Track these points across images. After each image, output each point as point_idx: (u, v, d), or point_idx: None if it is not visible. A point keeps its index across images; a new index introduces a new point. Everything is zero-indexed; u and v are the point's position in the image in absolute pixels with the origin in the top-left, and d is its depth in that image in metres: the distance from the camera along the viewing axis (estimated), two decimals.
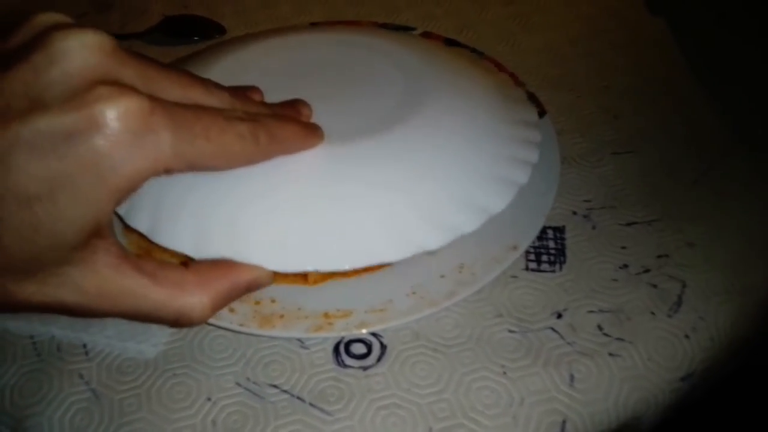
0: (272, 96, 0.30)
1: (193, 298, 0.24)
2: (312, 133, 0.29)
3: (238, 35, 0.49)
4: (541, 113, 0.39)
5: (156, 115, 0.20)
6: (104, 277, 0.22)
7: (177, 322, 0.24)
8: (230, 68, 0.35)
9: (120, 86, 0.20)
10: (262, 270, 0.26)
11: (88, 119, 0.19)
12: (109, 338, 0.32)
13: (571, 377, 0.30)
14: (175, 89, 0.23)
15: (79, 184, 0.19)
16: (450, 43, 0.44)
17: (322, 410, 0.29)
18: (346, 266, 0.27)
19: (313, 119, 0.30)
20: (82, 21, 0.53)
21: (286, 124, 0.27)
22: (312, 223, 0.28)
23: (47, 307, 0.21)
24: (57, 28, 0.20)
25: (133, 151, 0.20)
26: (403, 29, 0.46)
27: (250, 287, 0.26)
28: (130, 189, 0.21)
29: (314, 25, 0.49)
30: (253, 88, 0.30)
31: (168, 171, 0.22)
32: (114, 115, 0.19)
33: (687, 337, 0.31)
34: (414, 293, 0.30)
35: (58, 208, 0.19)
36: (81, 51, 0.20)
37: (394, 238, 0.28)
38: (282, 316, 0.30)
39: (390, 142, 0.30)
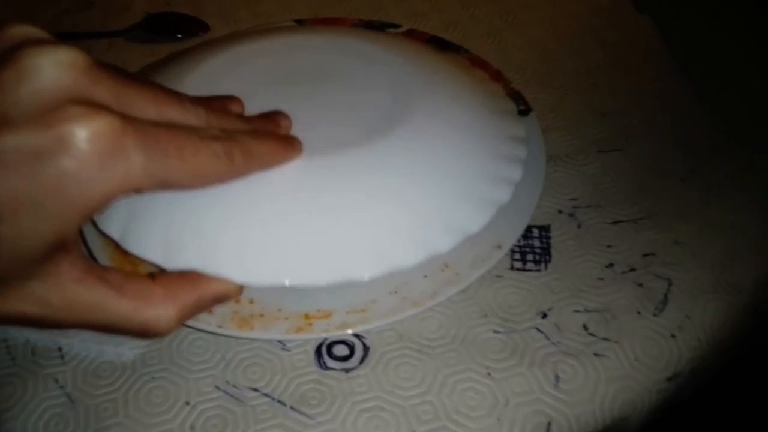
0: (254, 102, 0.30)
1: (158, 310, 0.23)
2: (290, 148, 0.28)
3: (221, 33, 0.48)
4: (527, 111, 0.38)
5: (127, 135, 0.20)
6: (68, 290, 0.21)
7: (143, 333, 0.23)
8: (212, 73, 0.34)
9: (91, 106, 0.19)
10: (230, 283, 0.26)
11: (57, 139, 0.18)
12: (85, 341, 0.31)
13: (557, 378, 0.29)
14: (149, 107, 0.22)
15: (45, 205, 0.19)
16: (436, 41, 0.44)
17: (303, 414, 0.29)
18: (321, 282, 0.27)
19: (293, 128, 0.30)
20: (63, 19, 0.52)
21: (263, 140, 0.27)
22: (285, 236, 0.27)
23: (10, 320, 0.21)
24: (29, 44, 0.19)
25: (102, 172, 0.19)
26: (388, 26, 0.46)
27: (217, 300, 0.26)
28: (97, 208, 0.20)
29: (299, 23, 0.48)
30: (233, 99, 0.30)
31: (138, 191, 0.21)
32: (84, 135, 0.19)
33: (673, 336, 0.31)
34: (396, 293, 0.30)
35: (21, 226, 0.19)
36: (52, 69, 0.19)
37: (368, 254, 0.27)
38: (262, 316, 0.29)
39: (369, 157, 0.29)
